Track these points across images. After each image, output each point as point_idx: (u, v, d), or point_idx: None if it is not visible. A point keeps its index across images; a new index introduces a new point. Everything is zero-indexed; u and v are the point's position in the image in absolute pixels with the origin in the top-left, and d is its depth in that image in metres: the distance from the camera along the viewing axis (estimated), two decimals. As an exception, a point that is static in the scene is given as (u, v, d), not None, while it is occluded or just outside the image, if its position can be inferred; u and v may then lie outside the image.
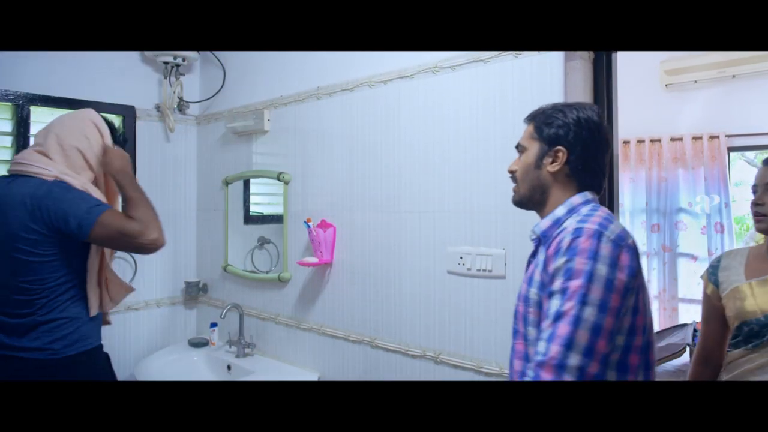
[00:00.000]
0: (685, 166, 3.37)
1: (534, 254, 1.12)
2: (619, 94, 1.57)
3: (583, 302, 0.91)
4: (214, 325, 2.44)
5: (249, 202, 2.50)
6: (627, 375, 0.98)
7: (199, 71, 2.71)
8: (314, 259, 1.98)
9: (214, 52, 2.56)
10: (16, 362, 1.48)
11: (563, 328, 0.91)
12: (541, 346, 0.93)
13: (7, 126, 2.13)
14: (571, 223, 1.01)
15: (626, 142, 3.53)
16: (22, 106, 2.13)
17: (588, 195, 1.09)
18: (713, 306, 1.43)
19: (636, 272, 0.97)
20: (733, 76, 3.22)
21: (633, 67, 3.29)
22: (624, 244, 0.96)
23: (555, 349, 0.90)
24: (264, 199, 2.51)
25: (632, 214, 3.51)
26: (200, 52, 2.59)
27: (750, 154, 3.81)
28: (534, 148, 1.11)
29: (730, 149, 3.36)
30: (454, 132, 1.64)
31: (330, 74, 2.03)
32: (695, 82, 3.33)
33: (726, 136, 3.29)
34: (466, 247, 1.61)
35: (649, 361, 1.02)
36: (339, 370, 1.99)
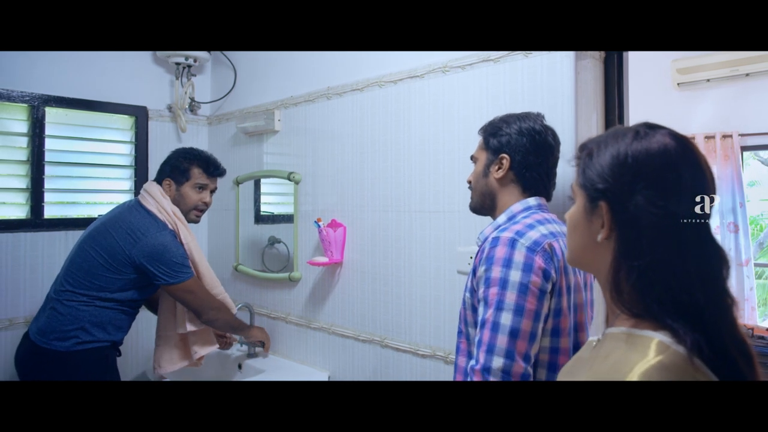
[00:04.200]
0: (698, 166, 3.34)
1: None
2: (631, 93, 1.56)
3: (499, 308, 0.99)
4: (225, 324, 2.46)
5: (260, 201, 2.51)
6: (557, 376, 1.04)
7: (210, 72, 2.73)
8: (324, 259, 1.99)
9: (225, 53, 2.57)
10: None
11: (485, 334, 1.00)
12: (474, 351, 1.03)
13: (23, 127, 2.16)
14: (495, 233, 1.09)
15: (638, 142, 3.50)
16: (37, 107, 2.16)
17: (530, 201, 1.16)
18: None
19: (554, 275, 1.02)
20: (747, 75, 3.18)
21: (644, 66, 3.26)
22: (540, 249, 1.02)
23: (481, 355, 1.00)
24: (274, 198, 2.53)
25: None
26: (211, 53, 2.61)
27: (764, 154, 3.77)
28: (482, 158, 1.22)
29: (744, 148, 3.32)
30: (464, 132, 1.64)
31: (340, 74, 2.03)
32: (707, 80, 3.30)
33: (739, 135, 3.26)
34: (476, 247, 1.60)
35: None
36: (349, 369, 2.00)
